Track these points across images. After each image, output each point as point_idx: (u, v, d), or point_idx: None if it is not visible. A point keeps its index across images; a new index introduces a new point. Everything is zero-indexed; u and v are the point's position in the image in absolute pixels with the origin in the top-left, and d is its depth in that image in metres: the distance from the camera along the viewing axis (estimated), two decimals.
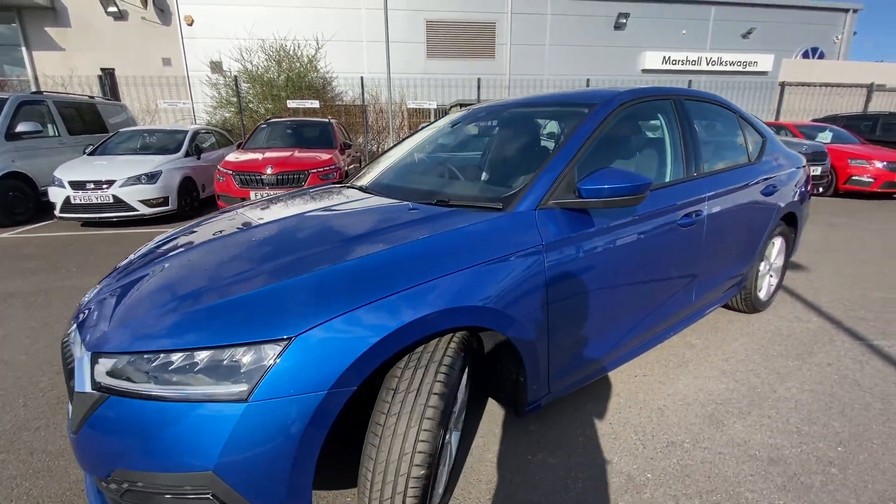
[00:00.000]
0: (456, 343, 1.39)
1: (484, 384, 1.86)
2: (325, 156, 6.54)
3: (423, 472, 1.22)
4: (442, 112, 12.31)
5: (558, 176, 1.70)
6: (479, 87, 12.43)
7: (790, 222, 3.10)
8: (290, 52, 13.00)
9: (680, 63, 16.66)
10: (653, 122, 2.31)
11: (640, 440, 1.89)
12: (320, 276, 1.25)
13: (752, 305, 2.98)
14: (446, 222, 1.56)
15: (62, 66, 14.37)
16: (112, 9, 14.25)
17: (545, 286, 1.55)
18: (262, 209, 2.11)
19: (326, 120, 7.91)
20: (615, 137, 2.06)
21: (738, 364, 2.47)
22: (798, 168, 3.16)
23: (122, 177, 6.21)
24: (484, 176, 2.14)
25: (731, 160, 2.61)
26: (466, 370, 1.54)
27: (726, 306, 3.11)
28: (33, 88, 14.29)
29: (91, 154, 7.11)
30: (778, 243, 3.05)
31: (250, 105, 13.04)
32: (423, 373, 1.28)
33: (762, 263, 2.96)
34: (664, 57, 16.60)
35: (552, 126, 2.42)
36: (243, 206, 2.27)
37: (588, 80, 14.24)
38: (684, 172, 2.19)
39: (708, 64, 16.78)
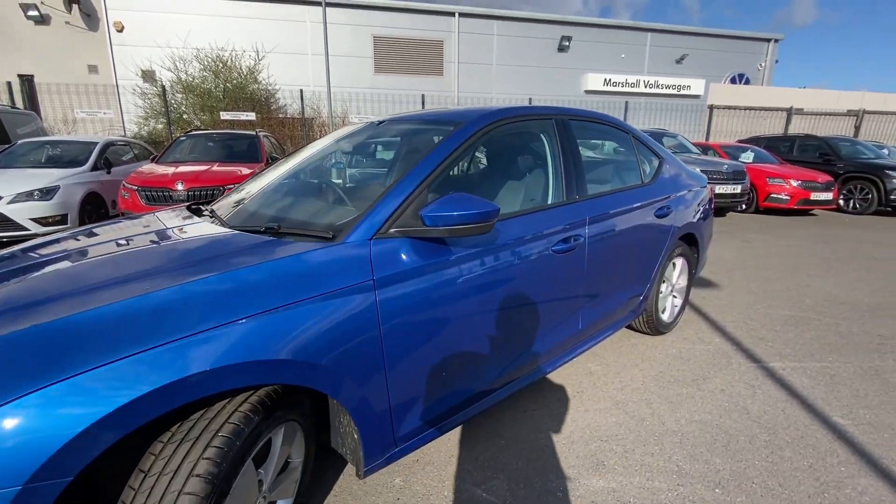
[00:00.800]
0: (251, 405, 1.15)
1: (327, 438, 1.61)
2: (245, 170, 6.16)
3: None
4: None
5: (404, 201, 1.51)
6: (423, 104, 12.38)
7: (691, 242, 3.09)
8: (228, 63, 12.48)
9: (620, 85, 17.43)
10: (531, 143, 2.19)
11: (510, 490, 1.70)
12: (45, 329, 0.98)
13: (655, 327, 2.92)
14: (258, 256, 1.32)
15: None
16: (32, 12, 13.25)
17: (378, 328, 1.34)
18: (82, 236, 1.80)
19: (253, 132, 7.52)
20: (489, 158, 1.92)
21: (633, 393, 2.36)
22: (700, 188, 3.18)
23: (11, 193, 5.57)
24: (333, 199, 1.93)
25: (621, 182, 2.55)
26: (283, 430, 1.30)
27: (631, 328, 3.04)
28: None
29: None
30: (679, 264, 3.02)
31: (184, 116, 12.37)
32: (190, 448, 1.03)
33: (663, 285, 2.92)
34: (605, 79, 17.32)
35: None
36: (73, 231, 1.94)
37: (530, 99, 14.55)
38: (563, 196, 2.08)
39: (646, 86, 17.65)
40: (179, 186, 5.58)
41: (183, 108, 12.44)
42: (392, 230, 1.46)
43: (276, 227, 1.52)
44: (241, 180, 5.89)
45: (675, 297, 3.11)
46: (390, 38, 15.56)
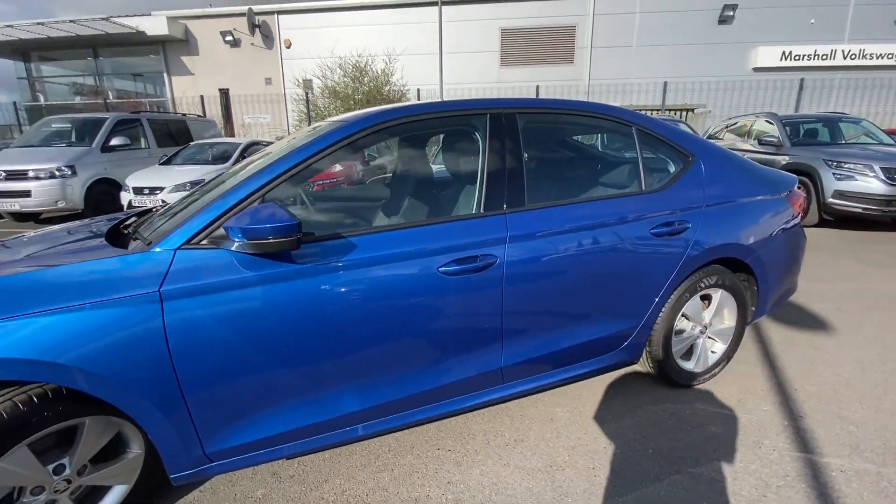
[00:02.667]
0: (10, 402, 1.22)
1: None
2: (338, 167, 6.70)
3: None
4: None
5: (228, 209, 1.43)
6: (537, 95, 11.76)
7: (743, 269, 2.29)
8: (362, 68, 13.73)
9: (805, 58, 13.92)
10: (452, 146, 1.87)
11: None
12: None
13: (669, 375, 2.26)
14: (91, 254, 1.41)
15: (192, 88, 17.09)
16: (228, 38, 16.58)
17: (164, 341, 1.31)
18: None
19: None
20: (397, 165, 1.71)
21: (582, 456, 1.86)
22: (771, 197, 2.33)
23: (172, 183, 7.11)
24: None
25: (603, 189, 2.01)
26: (87, 422, 1.36)
27: (648, 374, 2.41)
28: (171, 108, 17.24)
29: (163, 164, 8.27)
30: (717, 298, 2.26)
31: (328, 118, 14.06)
32: None
33: (684, 322, 2.23)
34: (783, 52, 14.03)
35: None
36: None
37: (665, 84, 12.56)
38: (478, 208, 1.73)
39: (846, 58, 13.74)
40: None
41: (328, 112, 14.17)
42: (204, 241, 1.40)
43: (133, 234, 1.60)
44: (331, 177, 6.44)
45: (711, 339, 2.35)
46: (518, 28, 15.15)
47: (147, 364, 1.30)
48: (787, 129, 6.87)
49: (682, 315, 2.20)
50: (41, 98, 19.03)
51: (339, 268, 1.48)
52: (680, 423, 2.06)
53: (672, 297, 2.12)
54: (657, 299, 2.05)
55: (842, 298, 3.54)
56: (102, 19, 15.26)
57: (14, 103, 15.64)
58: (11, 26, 15.62)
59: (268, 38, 16.76)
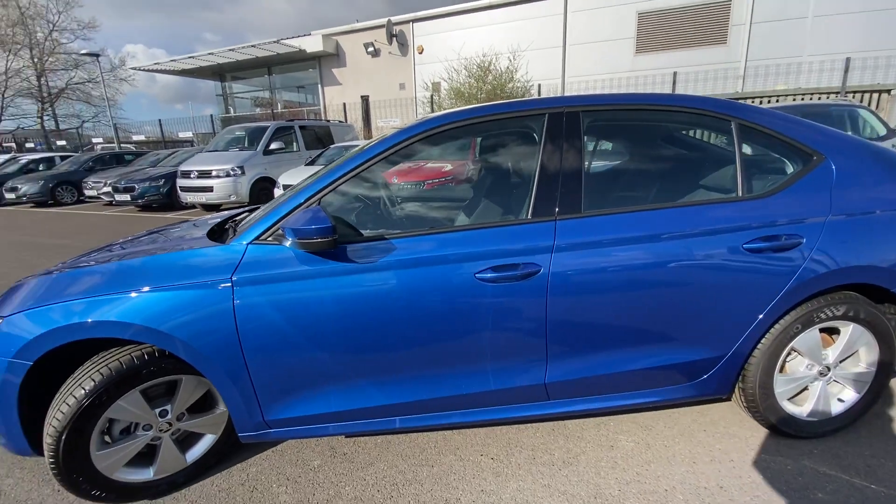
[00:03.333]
0: (129, 356, 1.58)
1: None
2: (449, 166, 6.95)
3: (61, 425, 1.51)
4: None
5: (291, 210, 1.63)
6: (674, 83, 10.47)
7: (888, 300, 1.79)
8: (486, 67, 13.90)
9: None
10: (509, 149, 1.80)
11: None
12: (42, 282, 1.68)
13: (768, 420, 1.87)
14: (191, 244, 1.75)
15: (340, 97, 19.27)
16: (370, 49, 18.25)
17: (234, 320, 1.55)
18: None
19: None
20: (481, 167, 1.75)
21: (616, 497, 1.67)
22: None
23: (295, 181, 8.19)
24: None
25: (681, 195, 1.75)
26: (183, 379, 1.69)
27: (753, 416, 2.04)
28: (322, 115, 19.69)
29: (308, 164, 9.54)
30: (848, 334, 1.80)
31: None
32: (85, 370, 1.55)
33: (795, 360, 1.83)
34: None
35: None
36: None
37: (848, 60, 10.02)
38: (528, 213, 1.65)
39: None
40: (394, 179, 6.86)
41: None
42: (270, 238, 1.62)
43: (229, 228, 1.91)
44: (444, 175, 6.73)
45: (838, 384, 1.89)
46: (659, 10, 13.69)
47: (220, 338, 1.56)
48: None
49: (792, 349, 1.81)
50: (231, 111, 23.42)
51: (376, 268, 1.58)
52: (773, 480, 1.71)
53: (777, 326, 1.75)
54: (752, 327, 1.72)
55: None
56: (273, 42, 18.11)
57: (211, 116, 19.57)
58: (212, 53, 19.51)
59: (403, 46, 18.01)
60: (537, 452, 1.92)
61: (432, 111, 13.85)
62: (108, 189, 10.85)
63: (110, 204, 11.31)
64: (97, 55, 18.97)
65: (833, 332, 1.84)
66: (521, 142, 1.82)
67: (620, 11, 14.08)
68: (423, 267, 1.58)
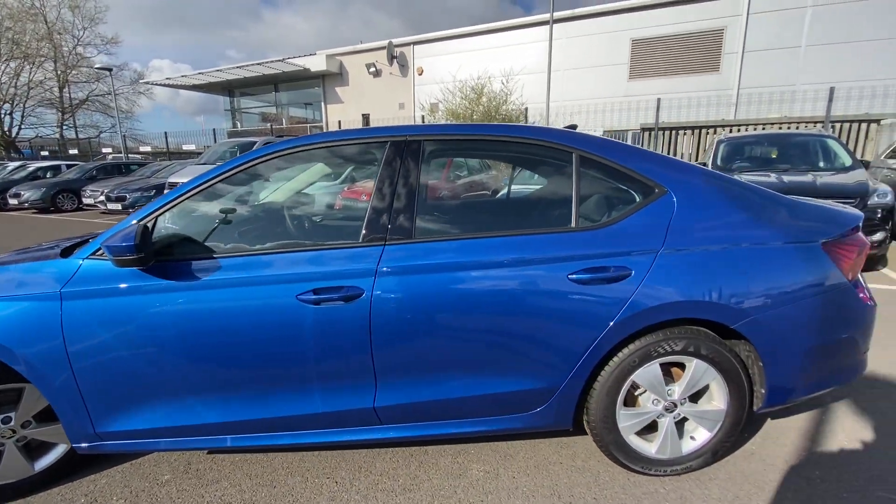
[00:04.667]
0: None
1: None
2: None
3: None
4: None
5: (122, 228, 1.68)
6: (657, 109, 10.52)
7: (734, 336, 1.76)
8: (480, 90, 14.13)
9: None
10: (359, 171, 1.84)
11: None
12: None
13: (612, 455, 1.84)
14: (42, 256, 1.81)
15: (342, 114, 19.70)
16: (372, 69, 18.71)
17: (61, 332, 1.59)
18: None
19: None
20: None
21: None
22: (788, 244, 1.75)
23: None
24: None
25: (514, 224, 1.77)
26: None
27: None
28: (324, 131, 20.03)
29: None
30: (690, 369, 1.77)
31: None
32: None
33: (644, 396, 1.81)
34: None
35: None
36: None
37: (831, 90, 9.97)
38: (360, 237, 1.69)
39: None
40: (363, 198, 6.97)
41: None
42: (102, 254, 1.67)
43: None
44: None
45: (691, 422, 1.85)
46: (651, 38, 13.88)
47: (47, 348, 1.60)
48: None
49: (635, 383, 1.78)
50: (238, 125, 24.06)
51: (199, 286, 1.61)
52: None
53: (615, 359, 1.73)
54: (583, 358, 1.70)
55: None
56: (279, 60, 18.69)
57: (213, 130, 20.13)
58: (221, 70, 20.17)
59: (403, 67, 18.43)
60: (383, 478, 1.91)
61: None
62: (103, 198, 11.17)
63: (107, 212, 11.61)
64: (110, 70, 19.75)
65: (678, 366, 1.82)
66: (364, 168, 1.86)
67: (615, 38, 14.29)
68: (243, 287, 1.62)
